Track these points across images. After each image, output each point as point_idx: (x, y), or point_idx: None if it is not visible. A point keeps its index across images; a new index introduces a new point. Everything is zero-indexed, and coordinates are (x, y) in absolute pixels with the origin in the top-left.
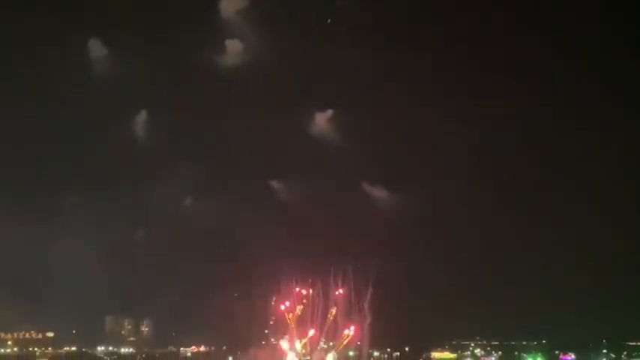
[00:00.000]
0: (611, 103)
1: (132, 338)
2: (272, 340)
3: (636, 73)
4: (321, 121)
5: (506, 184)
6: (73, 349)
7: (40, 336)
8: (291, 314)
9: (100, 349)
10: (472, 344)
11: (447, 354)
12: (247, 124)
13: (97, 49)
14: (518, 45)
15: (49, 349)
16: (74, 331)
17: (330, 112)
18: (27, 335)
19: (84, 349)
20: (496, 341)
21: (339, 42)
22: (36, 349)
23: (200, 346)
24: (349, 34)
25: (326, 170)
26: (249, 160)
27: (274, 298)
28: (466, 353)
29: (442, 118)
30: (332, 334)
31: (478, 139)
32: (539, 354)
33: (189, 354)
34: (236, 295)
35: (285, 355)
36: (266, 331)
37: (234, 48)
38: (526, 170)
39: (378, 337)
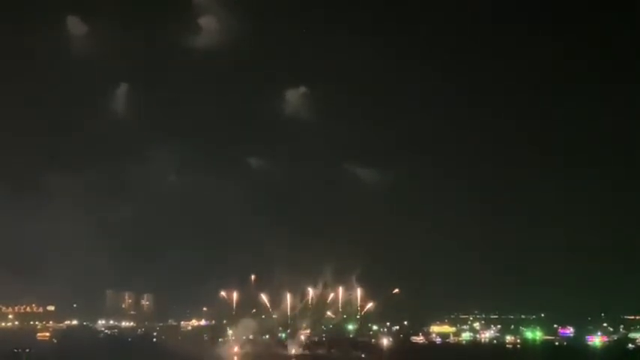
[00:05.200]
0: None
1: (132, 312)
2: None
3: None
4: (296, 97)
5: (507, 152)
6: (74, 322)
7: (40, 309)
8: None
9: (101, 322)
10: (471, 318)
11: (446, 327)
12: (226, 101)
13: (75, 26)
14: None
15: (50, 322)
16: (75, 305)
17: (303, 88)
18: (28, 309)
19: (85, 323)
20: (495, 315)
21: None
22: (37, 322)
23: (200, 320)
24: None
25: (305, 146)
26: (228, 137)
27: None
28: (465, 327)
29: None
30: None
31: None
32: (538, 328)
33: (189, 327)
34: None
35: None
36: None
37: (211, 26)
38: (526, 144)
39: (377, 311)
